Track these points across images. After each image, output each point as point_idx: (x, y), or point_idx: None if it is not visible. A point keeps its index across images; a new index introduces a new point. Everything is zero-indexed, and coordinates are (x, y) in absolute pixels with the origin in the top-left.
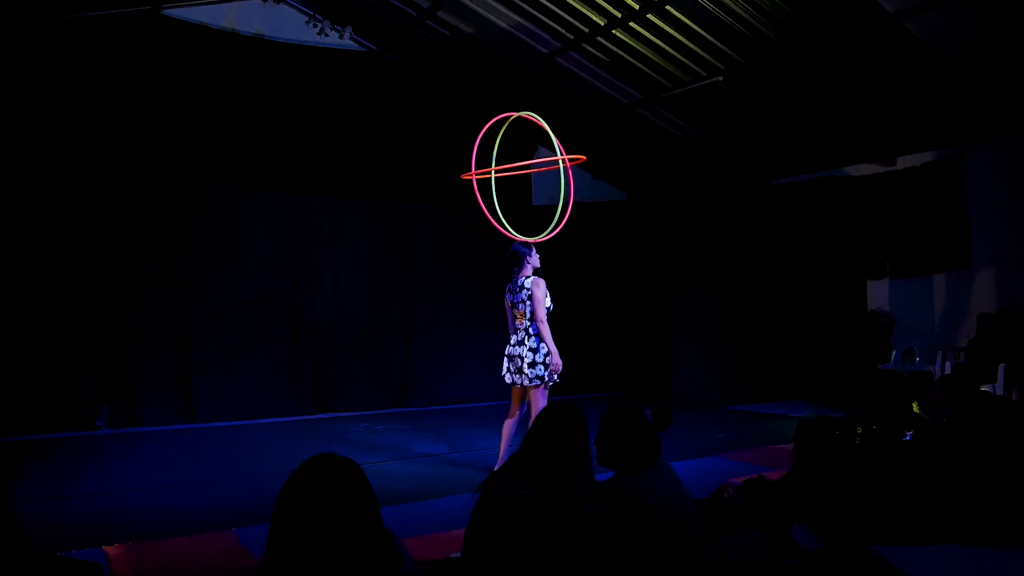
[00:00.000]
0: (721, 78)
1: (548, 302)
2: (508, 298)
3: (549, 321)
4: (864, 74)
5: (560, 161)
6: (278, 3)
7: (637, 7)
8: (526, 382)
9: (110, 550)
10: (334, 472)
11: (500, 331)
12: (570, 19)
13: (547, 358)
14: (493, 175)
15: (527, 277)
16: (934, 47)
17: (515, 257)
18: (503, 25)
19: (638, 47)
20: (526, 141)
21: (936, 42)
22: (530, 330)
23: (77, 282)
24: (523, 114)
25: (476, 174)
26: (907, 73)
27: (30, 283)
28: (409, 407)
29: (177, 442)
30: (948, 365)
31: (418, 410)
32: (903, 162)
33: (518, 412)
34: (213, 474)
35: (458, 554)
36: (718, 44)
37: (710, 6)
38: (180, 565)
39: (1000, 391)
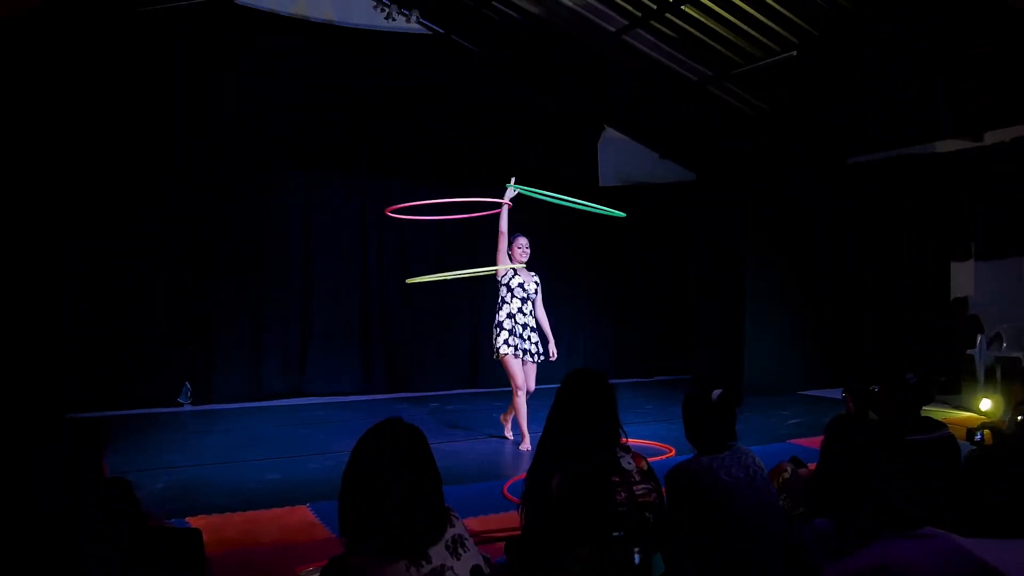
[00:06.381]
0: (795, 52)
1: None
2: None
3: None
4: (947, 43)
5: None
6: None
7: None
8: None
9: (193, 521)
10: (400, 435)
11: (565, 311)
12: None
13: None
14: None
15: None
16: None
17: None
18: (569, 4)
19: (708, 22)
20: (593, 122)
21: None
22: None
23: (161, 263)
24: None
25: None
26: (995, 41)
27: (118, 265)
28: (479, 388)
29: (253, 419)
30: None
31: (487, 391)
32: (991, 137)
33: None
34: (287, 451)
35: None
36: (791, 16)
37: None
38: (258, 537)
39: None
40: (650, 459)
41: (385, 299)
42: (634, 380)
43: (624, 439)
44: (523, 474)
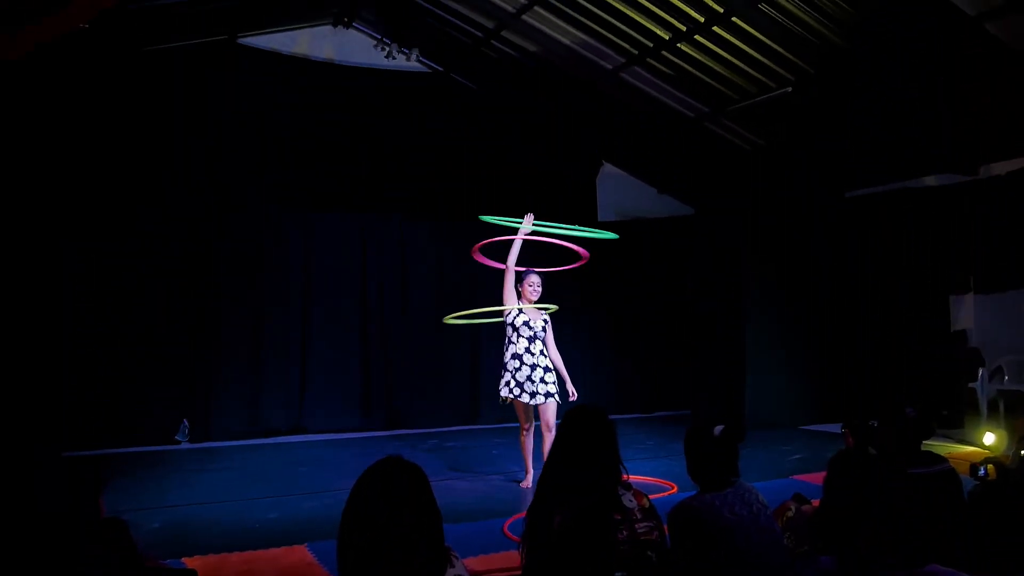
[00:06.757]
0: (790, 89)
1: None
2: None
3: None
4: (942, 79)
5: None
6: (347, 28)
7: (702, 20)
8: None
9: (189, 562)
10: (399, 474)
11: (564, 347)
12: (634, 34)
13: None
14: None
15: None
16: (1019, 49)
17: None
18: (567, 43)
19: (704, 60)
20: (590, 157)
21: (1021, 44)
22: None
23: (159, 300)
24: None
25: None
26: (989, 77)
27: (116, 302)
28: (479, 424)
29: (252, 457)
30: None
31: (487, 427)
32: (986, 171)
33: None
34: (286, 489)
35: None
36: (786, 54)
37: (777, 16)
38: None
39: None
40: (652, 496)
41: (385, 335)
42: (634, 416)
43: (625, 476)
44: (524, 512)
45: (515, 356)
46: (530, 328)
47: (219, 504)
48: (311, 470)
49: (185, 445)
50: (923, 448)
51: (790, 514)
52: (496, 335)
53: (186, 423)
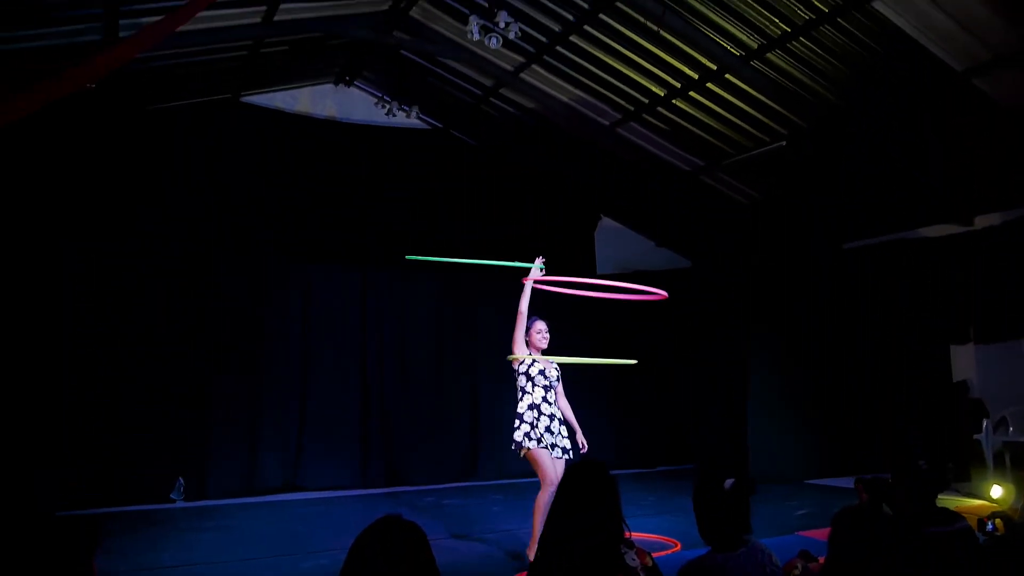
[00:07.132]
0: (785, 143)
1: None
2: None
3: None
4: (934, 133)
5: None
6: (349, 87)
7: (696, 76)
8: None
9: None
10: (398, 533)
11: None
12: (630, 91)
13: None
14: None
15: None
16: (1007, 103)
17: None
18: (564, 99)
19: (699, 115)
20: (587, 212)
21: (1009, 98)
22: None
23: (156, 355)
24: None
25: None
26: (979, 130)
27: (110, 360)
28: (477, 481)
29: (248, 515)
30: None
31: (486, 484)
32: (981, 221)
33: None
34: (282, 549)
35: None
36: (779, 109)
37: (769, 72)
38: None
39: None
40: (655, 555)
41: (383, 390)
42: (635, 471)
43: (627, 533)
44: (524, 572)
45: (532, 407)
46: (546, 377)
47: (214, 565)
48: (308, 529)
49: (180, 503)
50: (937, 503)
51: (797, 572)
52: (495, 389)
53: (181, 481)
